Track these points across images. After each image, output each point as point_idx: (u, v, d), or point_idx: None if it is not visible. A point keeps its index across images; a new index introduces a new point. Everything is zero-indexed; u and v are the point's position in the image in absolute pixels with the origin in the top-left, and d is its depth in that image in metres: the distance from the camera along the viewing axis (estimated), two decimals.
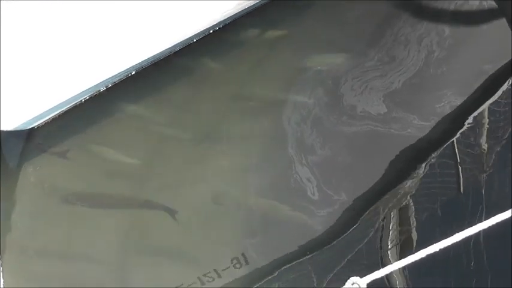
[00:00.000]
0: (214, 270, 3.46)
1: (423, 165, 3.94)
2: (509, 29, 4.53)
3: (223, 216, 3.73)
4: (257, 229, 3.70)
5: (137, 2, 3.63)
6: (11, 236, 3.56)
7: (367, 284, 2.41)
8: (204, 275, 3.43)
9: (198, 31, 4.18)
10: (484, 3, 4.64)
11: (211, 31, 4.27)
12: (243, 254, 3.51)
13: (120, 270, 3.55)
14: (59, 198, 3.76)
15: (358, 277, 2.42)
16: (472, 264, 3.43)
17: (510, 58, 4.35)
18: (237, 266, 3.48)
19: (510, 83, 4.27)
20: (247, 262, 3.51)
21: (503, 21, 4.48)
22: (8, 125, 3.70)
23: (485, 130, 4.12)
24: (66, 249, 3.60)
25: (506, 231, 2.61)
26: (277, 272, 3.50)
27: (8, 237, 3.51)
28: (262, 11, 4.38)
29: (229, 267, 3.47)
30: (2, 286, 3.22)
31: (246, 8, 4.26)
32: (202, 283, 3.42)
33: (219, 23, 4.24)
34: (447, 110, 4.15)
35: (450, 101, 4.18)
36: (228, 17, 4.24)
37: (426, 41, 4.41)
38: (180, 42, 4.14)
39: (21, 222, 3.66)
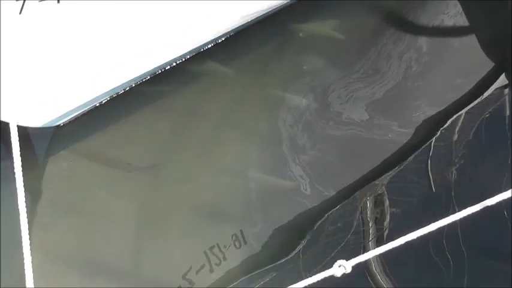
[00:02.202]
0: (217, 245, 3.51)
1: (401, 164, 3.99)
2: (478, 47, 4.60)
3: (228, 205, 3.77)
4: (257, 218, 3.76)
5: (153, 14, 3.66)
6: (37, 221, 3.57)
7: (352, 266, 2.44)
8: (207, 259, 3.49)
9: (207, 41, 4.23)
10: (458, 24, 4.72)
11: (218, 41, 4.32)
12: (244, 239, 3.57)
13: (135, 246, 3.60)
14: (80, 189, 3.79)
15: (344, 260, 2.45)
16: (444, 252, 3.50)
17: (480, 74, 4.45)
18: (237, 245, 3.55)
19: (480, 96, 4.35)
20: (246, 244, 3.56)
21: (473, 40, 4.65)
22: (37, 122, 3.74)
23: (456, 136, 4.18)
24: (85, 234, 3.63)
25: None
26: (272, 256, 3.54)
27: (34, 222, 3.51)
28: (263, 25, 4.39)
29: (230, 245, 3.52)
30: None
31: (248, 22, 4.30)
32: (209, 261, 3.48)
33: (224, 34, 4.29)
34: (422, 118, 4.23)
35: (425, 111, 4.27)
36: (232, 29, 4.29)
37: (406, 57, 4.49)
38: (191, 50, 4.18)
39: (46, 209, 3.68)
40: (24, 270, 2.49)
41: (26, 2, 3.06)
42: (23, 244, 2.52)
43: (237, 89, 4.25)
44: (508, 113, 4.23)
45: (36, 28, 3.25)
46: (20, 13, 3.10)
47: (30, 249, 2.57)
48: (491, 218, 2.66)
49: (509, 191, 2.50)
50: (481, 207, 2.52)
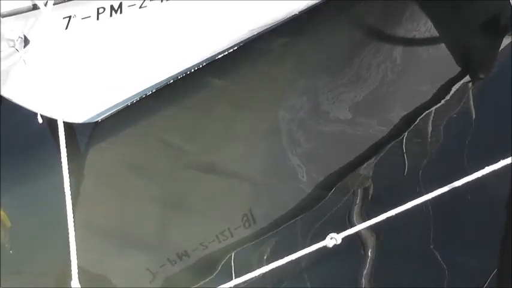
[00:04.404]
0: (228, 229, 3.50)
1: (380, 153, 3.96)
2: (441, 59, 4.57)
3: (238, 188, 3.77)
4: (262, 200, 3.73)
5: (177, 29, 3.64)
6: (79, 200, 3.58)
7: (342, 238, 2.39)
8: (221, 233, 3.48)
9: (220, 50, 4.19)
10: (427, 39, 4.70)
11: (230, 51, 4.27)
12: (252, 216, 3.55)
13: (160, 220, 3.59)
14: (115, 173, 3.79)
15: (335, 233, 2.40)
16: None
17: (444, 79, 4.40)
18: (246, 225, 3.53)
19: (441, 100, 4.31)
20: (253, 220, 3.55)
21: (439, 52, 4.62)
22: (79, 119, 3.77)
23: (426, 130, 4.12)
24: (120, 211, 3.62)
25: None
26: (275, 231, 3.52)
27: (77, 201, 3.53)
28: (265, 39, 4.37)
29: (240, 226, 3.50)
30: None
31: (254, 35, 4.28)
32: (222, 233, 3.46)
33: (235, 45, 4.25)
34: (396, 117, 4.21)
35: (398, 111, 4.25)
36: (241, 41, 4.26)
37: (383, 67, 4.48)
38: (207, 58, 4.16)
39: (87, 190, 3.68)
40: (69, 242, 2.46)
41: (71, 19, 3.07)
42: (68, 220, 2.49)
43: (245, 91, 4.22)
44: (471, 108, 4.20)
45: (78, 42, 3.24)
46: (66, 28, 3.11)
47: (74, 225, 2.54)
48: (457, 195, 2.63)
49: (473, 174, 2.49)
50: (449, 188, 2.52)
